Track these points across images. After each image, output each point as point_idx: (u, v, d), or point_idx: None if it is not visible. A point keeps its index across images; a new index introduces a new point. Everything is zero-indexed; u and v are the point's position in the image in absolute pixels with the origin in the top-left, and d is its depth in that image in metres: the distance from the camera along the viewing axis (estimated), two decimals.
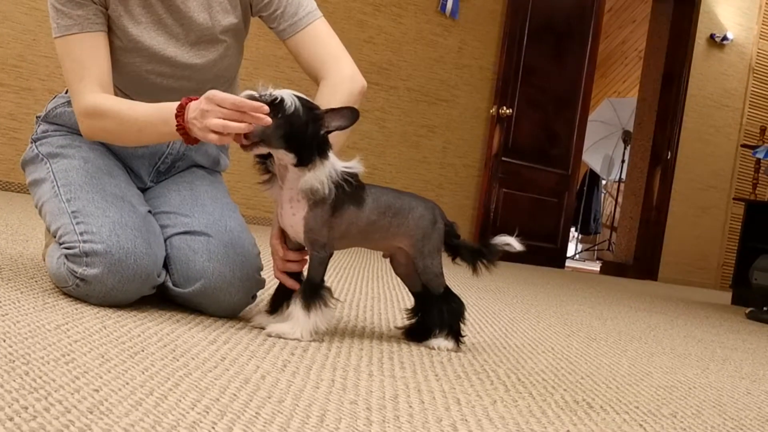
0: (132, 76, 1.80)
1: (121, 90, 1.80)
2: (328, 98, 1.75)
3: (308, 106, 1.53)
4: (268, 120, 1.45)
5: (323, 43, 1.87)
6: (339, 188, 1.56)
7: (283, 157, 1.54)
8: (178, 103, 1.55)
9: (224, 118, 1.46)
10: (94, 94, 1.69)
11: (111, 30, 1.76)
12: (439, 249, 1.75)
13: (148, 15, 1.78)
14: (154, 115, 1.60)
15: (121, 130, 1.68)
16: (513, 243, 1.76)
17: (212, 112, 1.47)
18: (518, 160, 6.82)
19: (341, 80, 1.81)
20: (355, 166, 1.60)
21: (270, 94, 1.51)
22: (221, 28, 1.85)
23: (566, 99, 7.08)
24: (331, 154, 1.56)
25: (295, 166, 1.54)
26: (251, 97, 1.48)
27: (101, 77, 1.70)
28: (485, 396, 1.36)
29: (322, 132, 1.54)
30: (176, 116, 1.54)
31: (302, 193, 1.56)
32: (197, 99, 1.53)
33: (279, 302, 1.67)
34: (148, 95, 1.78)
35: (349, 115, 1.56)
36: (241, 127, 1.46)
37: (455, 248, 1.77)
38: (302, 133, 1.51)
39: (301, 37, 1.86)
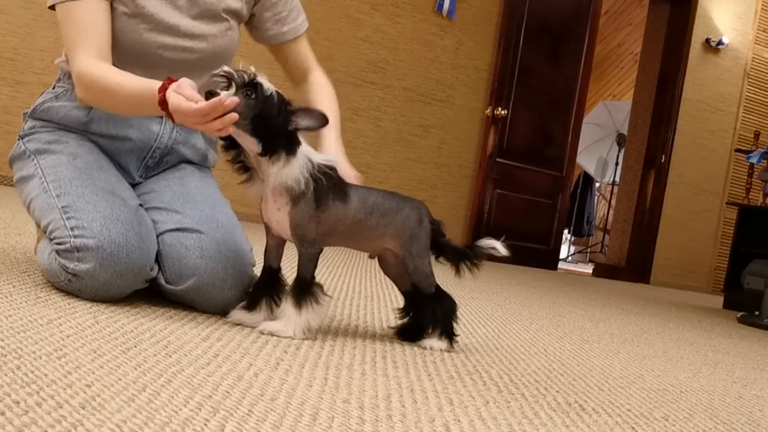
0: (133, 46, 1.79)
1: (121, 64, 1.78)
2: (315, 96, 1.96)
3: (282, 98, 1.53)
4: (236, 100, 1.43)
5: (308, 50, 2.06)
6: (318, 181, 1.56)
7: (250, 145, 1.53)
8: (160, 85, 1.53)
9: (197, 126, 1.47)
10: (90, 59, 1.69)
11: (115, 3, 1.76)
12: (428, 248, 1.75)
13: None
14: (143, 96, 1.58)
15: (112, 103, 1.70)
16: (498, 247, 1.75)
17: (185, 122, 1.47)
18: (512, 161, 6.83)
19: (325, 84, 2.02)
20: (332, 158, 1.60)
21: (251, 74, 1.50)
22: (225, 6, 1.89)
23: (561, 100, 7.09)
24: (305, 148, 1.56)
25: (260, 155, 1.53)
26: (227, 74, 1.48)
27: (100, 44, 1.71)
28: (478, 397, 1.36)
29: (290, 127, 1.53)
30: (160, 104, 1.53)
31: (280, 188, 1.55)
32: (176, 82, 1.52)
33: (257, 298, 1.65)
34: (147, 68, 1.78)
35: (319, 117, 1.56)
36: (217, 129, 1.45)
37: (440, 247, 1.77)
38: (272, 120, 1.50)
39: (296, 43, 2.02)
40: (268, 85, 1.51)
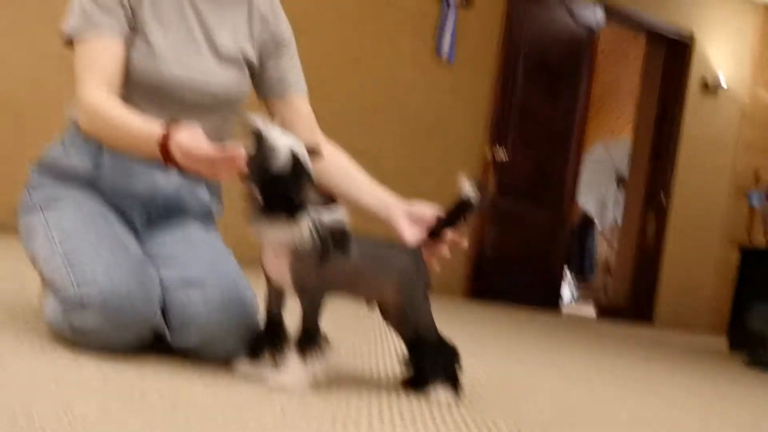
0: (149, 83, 1.81)
1: (135, 100, 1.80)
2: (338, 160, 1.97)
3: (300, 170, 1.50)
4: (241, 169, 1.45)
5: (311, 113, 2.03)
6: (325, 241, 1.55)
7: (256, 197, 1.53)
8: (161, 134, 1.55)
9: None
10: (99, 91, 1.71)
11: (134, 36, 1.79)
12: (427, 296, 1.75)
13: (179, 22, 1.84)
14: (144, 137, 1.59)
15: (113, 137, 1.71)
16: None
17: (192, 166, 1.50)
18: (512, 200, 6.84)
19: (337, 149, 2.00)
20: (339, 215, 1.59)
21: (270, 139, 1.48)
22: (243, 53, 1.92)
23: (561, 138, 7.12)
24: (315, 209, 1.54)
25: (262, 211, 1.52)
26: (254, 132, 1.48)
27: (110, 79, 1.73)
28: None
29: (296, 201, 1.51)
30: (161, 151, 1.55)
31: (281, 245, 1.55)
32: (177, 131, 1.54)
33: (261, 348, 1.64)
34: (162, 106, 1.80)
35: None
36: (222, 176, 1.48)
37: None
38: (281, 188, 1.49)
39: (299, 99, 2.01)
40: (286, 154, 1.48)
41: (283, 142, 1.50)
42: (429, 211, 1.83)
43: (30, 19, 4.89)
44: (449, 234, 1.81)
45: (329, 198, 1.55)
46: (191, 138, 1.52)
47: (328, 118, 2.06)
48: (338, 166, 1.95)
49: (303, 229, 1.53)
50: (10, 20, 4.90)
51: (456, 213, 1.81)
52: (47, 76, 4.95)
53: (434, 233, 1.79)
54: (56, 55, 4.72)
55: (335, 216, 1.58)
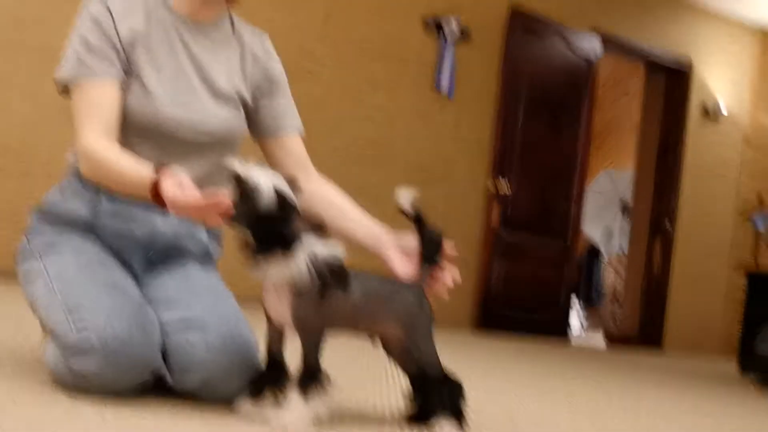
0: (147, 123, 1.82)
1: (134, 140, 1.81)
2: (325, 191, 1.96)
3: (286, 206, 1.51)
4: (227, 212, 1.47)
5: (305, 152, 2.03)
6: (322, 275, 1.55)
7: (248, 239, 1.54)
8: (151, 180, 1.57)
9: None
10: (96, 136, 1.72)
11: (129, 79, 1.81)
12: (431, 332, 1.74)
13: (172, 64, 1.85)
14: (137, 182, 1.62)
15: (110, 182, 1.74)
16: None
17: (181, 213, 1.52)
18: (517, 233, 6.83)
19: (328, 183, 1.99)
20: (336, 251, 1.59)
21: (251, 180, 1.49)
22: (238, 92, 1.93)
23: (563, 171, 7.12)
24: (310, 241, 1.54)
25: (257, 251, 1.53)
26: (234, 176, 1.49)
27: (107, 122, 1.75)
28: None
29: (288, 236, 1.52)
30: (151, 193, 1.56)
31: (281, 283, 1.55)
32: (167, 176, 1.55)
33: (262, 388, 1.63)
34: (160, 146, 1.82)
35: (320, 237, 1.56)
36: (211, 221, 1.50)
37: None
38: (270, 227, 1.50)
39: (291, 139, 2.01)
40: (269, 193, 1.49)
41: (264, 180, 1.50)
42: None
43: (30, 69, 4.93)
44: (436, 272, 1.79)
45: (318, 226, 1.55)
46: (176, 185, 1.52)
47: (329, 157, 2.08)
48: (328, 200, 1.95)
49: (299, 262, 1.53)
50: (10, 70, 4.95)
51: (420, 233, 1.80)
52: (49, 124, 4.98)
53: (424, 269, 1.78)
54: (56, 104, 4.78)
55: (331, 251, 1.58)
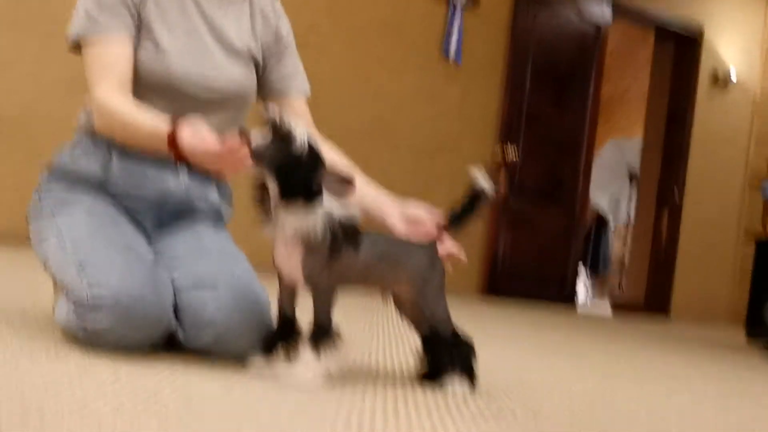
0: (159, 79, 1.82)
1: (146, 97, 1.81)
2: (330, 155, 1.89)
3: (314, 155, 1.54)
4: (263, 152, 1.47)
5: (309, 114, 2.03)
6: (335, 234, 1.56)
7: (271, 185, 1.54)
8: (168, 132, 1.56)
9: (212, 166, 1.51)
10: (110, 92, 1.73)
11: (141, 36, 1.81)
12: (443, 291, 1.74)
13: (184, 22, 1.85)
14: (154, 135, 1.62)
15: (126, 136, 1.74)
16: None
17: (199, 162, 1.51)
18: (525, 205, 6.82)
19: (333, 148, 1.95)
20: (351, 212, 1.60)
21: (289, 125, 1.52)
22: (249, 51, 1.93)
23: (571, 143, 7.09)
24: (328, 202, 1.55)
25: (279, 198, 1.54)
26: (270, 119, 1.50)
27: (121, 78, 1.75)
28: None
29: (313, 186, 1.53)
30: (169, 147, 1.56)
31: (295, 236, 1.55)
32: (182, 128, 1.55)
33: (274, 347, 1.63)
34: (172, 102, 1.82)
35: (344, 189, 1.56)
36: (230, 170, 1.49)
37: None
38: (296, 173, 1.51)
39: (298, 101, 2.01)
40: (303, 140, 1.51)
41: (300, 129, 1.52)
42: (424, 211, 1.81)
43: (36, 40, 4.93)
44: (451, 243, 1.79)
45: (345, 180, 1.55)
46: (195, 134, 1.53)
47: (337, 127, 2.06)
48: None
49: (316, 217, 1.53)
50: (17, 42, 4.95)
51: (469, 205, 1.79)
52: (55, 95, 4.98)
53: (450, 226, 1.79)
54: (63, 75, 4.77)
55: (346, 211, 1.58)
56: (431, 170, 6.36)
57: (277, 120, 1.51)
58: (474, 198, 1.79)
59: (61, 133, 4.98)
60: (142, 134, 1.67)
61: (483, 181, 1.77)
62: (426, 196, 6.23)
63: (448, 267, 1.79)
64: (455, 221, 1.79)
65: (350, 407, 1.42)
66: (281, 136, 1.50)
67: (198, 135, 1.53)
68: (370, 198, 1.87)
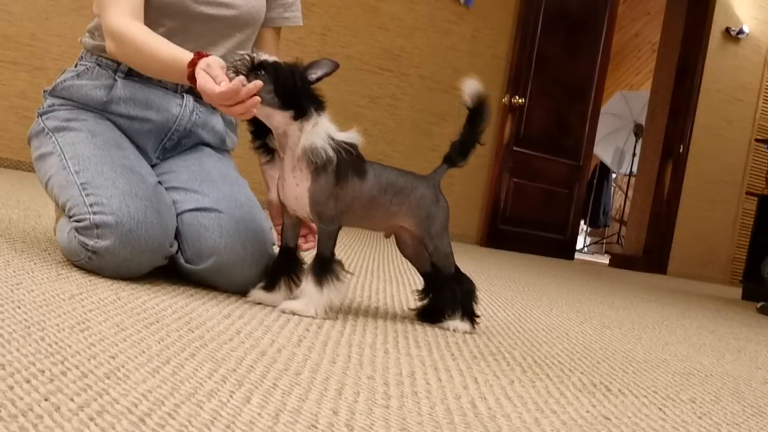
0: (168, 12, 1.79)
1: (155, 17, 1.78)
2: None
3: (289, 63, 1.55)
4: (260, 84, 1.45)
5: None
6: (340, 155, 1.55)
7: (281, 119, 1.53)
8: (190, 59, 1.53)
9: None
10: (125, 17, 1.69)
11: None
12: (446, 228, 1.73)
13: None
14: (172, 65, 1.59)
15: (141, 62, 1.70)
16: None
17: (212, 102, 1.48)
18: (529, 151, 6.79)
19: None
20: (353, 136, 1.59)
21: (252, 57, 1.51)
22: None
23: (579, 90, 7.04)
24: (329, 124, 1.56)
25: (294, 119, 1.53)
26: (233, 65, 1.50)
27: (134, 4, 1.71)
28: (502, 376, 1.34)
29: (310, 78, 1.55)
30: (189, 79, 1.53)
31: (304, 157, 1.54)
32: (205, 58, 1.52)
33: (276, 277, 1.64)
34: (182, 23, 1.80)
35: (329, 63, 1.56)
36: (240, 113, 1.46)
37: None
38: (292, 83, 1.52)
39: (279, 33, 2.04)
40: (272, 58, 1.53)
41: (269, 57, 1.54)
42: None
43: None
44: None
45: (334, 64, 1.57)
46: (208, 73, 1.48)
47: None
48: None
49: (320, 132, 1.53)
50: None
51: (470, 125, 1.78)
52: (60, 17, 4.91)
53: (443, 169, 1.77)
54: (71, 2, 4.70)
55: (349, 136, 1.57)
56: (440, 104, 6.32)
57: (240, 62, 1.50)
58: (473, 114, 1.77)
59: (67, 56, 4.91)
60: (158, 62, 1.63)
61: (477, 87, 1.76)
62: (432, 130, 6.23)
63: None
64: (462, 147, 1.77)
65: (351, 340, 1.42)
66: (265, 66, 1.51)
67: (210, 72, 1.48)
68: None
